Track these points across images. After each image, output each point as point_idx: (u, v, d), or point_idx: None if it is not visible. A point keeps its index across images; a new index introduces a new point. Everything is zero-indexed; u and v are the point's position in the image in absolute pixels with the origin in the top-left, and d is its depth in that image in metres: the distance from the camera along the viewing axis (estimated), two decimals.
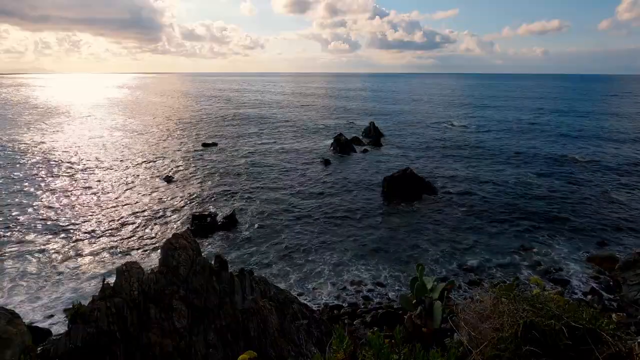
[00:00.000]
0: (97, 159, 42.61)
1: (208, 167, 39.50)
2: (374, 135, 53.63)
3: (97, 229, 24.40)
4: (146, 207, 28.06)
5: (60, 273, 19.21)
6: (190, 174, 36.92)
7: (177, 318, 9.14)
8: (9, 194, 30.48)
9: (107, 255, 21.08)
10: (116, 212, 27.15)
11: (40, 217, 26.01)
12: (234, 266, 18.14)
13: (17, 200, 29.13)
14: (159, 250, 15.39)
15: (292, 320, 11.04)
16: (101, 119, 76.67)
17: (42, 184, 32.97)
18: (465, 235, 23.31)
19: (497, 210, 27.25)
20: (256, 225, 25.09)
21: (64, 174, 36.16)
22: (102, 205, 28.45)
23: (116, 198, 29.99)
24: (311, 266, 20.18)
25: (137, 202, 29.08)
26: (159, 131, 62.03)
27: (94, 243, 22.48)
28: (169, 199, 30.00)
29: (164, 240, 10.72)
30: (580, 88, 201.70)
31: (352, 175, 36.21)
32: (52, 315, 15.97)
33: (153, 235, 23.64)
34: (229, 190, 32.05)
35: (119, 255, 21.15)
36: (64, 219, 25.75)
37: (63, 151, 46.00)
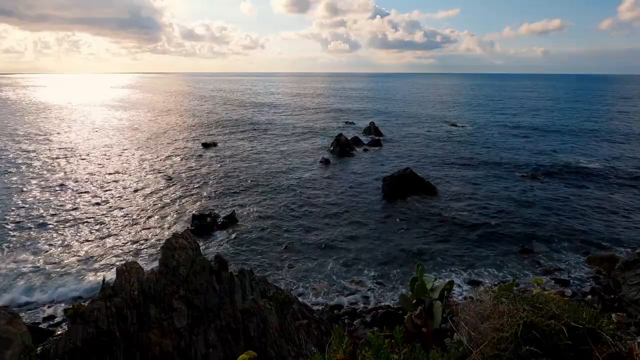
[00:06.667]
0: (96, 159, 42.62)
1: (208, 167, 39.49)
2: (374, 135, 53.69)
3: (96, 228, 24.40)
4: (146, 207, 28.07)
5: (60, 273, 19.21)
6: (190, 173, 36.92)
7: (177, 318, 9.14)
8: (7, 195, 30.49)
9: (107, 255, 21.09)
10: (116, 212, 27.16)
11: (39, 216, 26.01)
12: (234, 266, 18.11)
13: (16, 200, 29.13)
14: (159, 250, 15.39)
15: (292, 320, 11.03)
16: (100, 119, 76.74)
17: (41, 184, 32.97)
18: (465, 235, 23.31)
19: (497, 210, 27.24)
20: (256, 225, 25.09)
21: (63, 175, 36.16)
22: (101, 205, 28.46)
23: (116, 198, 30.00)
24: (311, 266, 20.18)
25: (137, 202, 29.09)
26: (159, 131, 62.03)
27: (94, 243, 22.48)
28: (169, 199, 30.00)
29: (164, 240, 10.71)
30: (581, 88, 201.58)
31: (352, 175, 36.20)
32: (52, 315, 15.99)
33: (153, 235, 23.64)
34: (229, 190, 32.06)
35: (119, 255, 21.15)
36: (63, 219, 25.75)
37: (62, 150, 46.03)
